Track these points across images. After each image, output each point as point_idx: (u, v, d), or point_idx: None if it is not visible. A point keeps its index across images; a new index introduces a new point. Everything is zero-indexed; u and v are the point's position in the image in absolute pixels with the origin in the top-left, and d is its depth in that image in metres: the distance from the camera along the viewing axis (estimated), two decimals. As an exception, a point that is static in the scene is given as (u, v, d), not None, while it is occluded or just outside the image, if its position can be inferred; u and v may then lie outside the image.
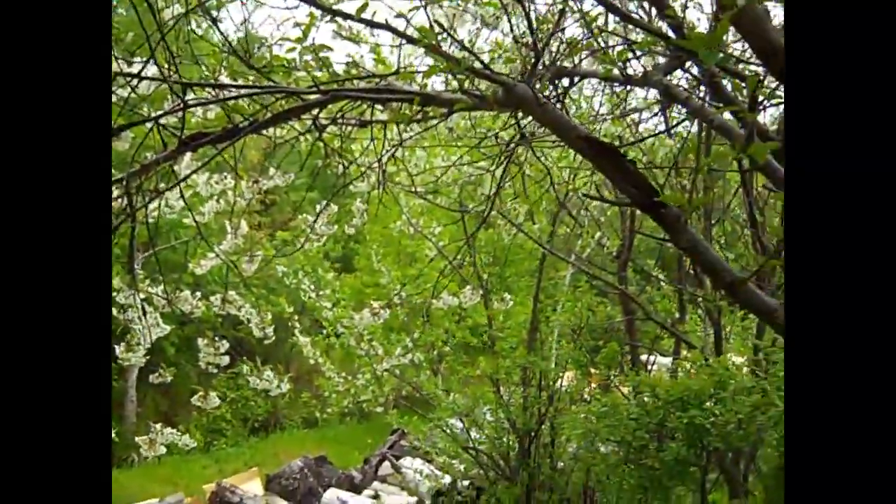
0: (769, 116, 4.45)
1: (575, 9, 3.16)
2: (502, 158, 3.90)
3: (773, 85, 3.03)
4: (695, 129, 4.66)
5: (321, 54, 2.91)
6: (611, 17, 3.41)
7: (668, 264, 9.06)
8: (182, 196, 4.10)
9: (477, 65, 2.57)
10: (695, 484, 5.37)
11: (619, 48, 3.25)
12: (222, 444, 15.41)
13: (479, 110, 3.11)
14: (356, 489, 10.85)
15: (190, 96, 2.81)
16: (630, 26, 3.53)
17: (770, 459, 5.43)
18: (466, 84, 2.76)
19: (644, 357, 7.94)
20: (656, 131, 5.19)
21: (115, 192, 2.72)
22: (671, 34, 2.76)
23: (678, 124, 4.41)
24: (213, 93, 2.94)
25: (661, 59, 3.11)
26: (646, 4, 3.65)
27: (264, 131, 3.04)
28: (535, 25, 2.88)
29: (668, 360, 7.61)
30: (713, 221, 6.05)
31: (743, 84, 2.71)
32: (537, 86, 2.54)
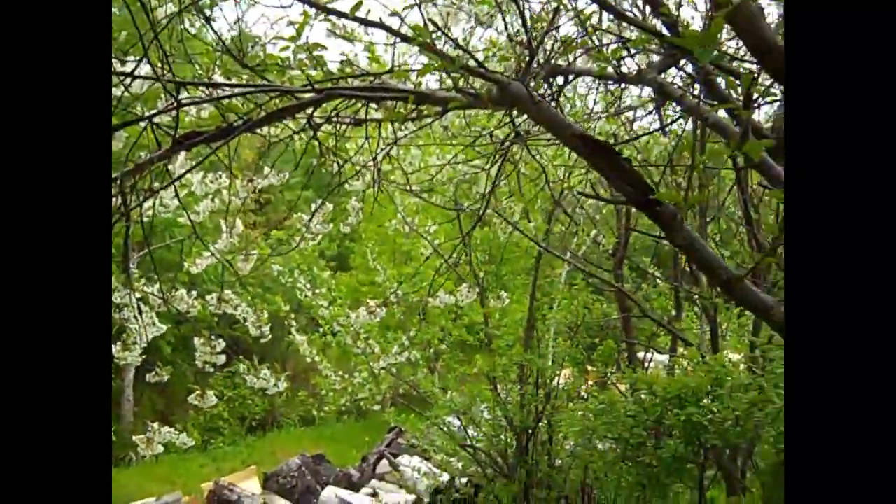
0: (763, 114, 4.45)
1: (569, 7, 3.16)
2: (497, 157, 3.90)
3: (768, 83, 3.03)
4: (689, 126, 4.66)
5: (315, 53, 2.91)
6: (605, 14, 3.41)
7: (664, 262, 9.07)
8: (177, 195, 4.08)
9: (471, 63, 2.56)
10: (692, 481, 5.37)
11: (613, 46, 3.24)
12: (220, 442, 15.41)
13: (473, 109, 3.11)
14: (354, 487, 10.84)
15: (184, 95, 2.80)
16: (624, 24, 3.54)
17: (767, 456, 5.42)
18: (461, 82, 2.76)
19: (641, 354, 7.94)
20: (651, 129, 5.18)
21: (109, 192, 2.71)
22: (665, 32, 2.76)
23: (673, 122, 4.40)
24: (207, 92, 2.93)
25: (656, 58, 3.11)
26: (640, 2, 3.65)
27: (258, 130, 3.03)
28: (529, 24, 2.87)
29: (664, 358, 7.61)
30: (708, 219, 6.05)
31: (737, 82, 2.71)
32: (532, 84, 2.53)
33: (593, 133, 3.10)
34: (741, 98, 2.38)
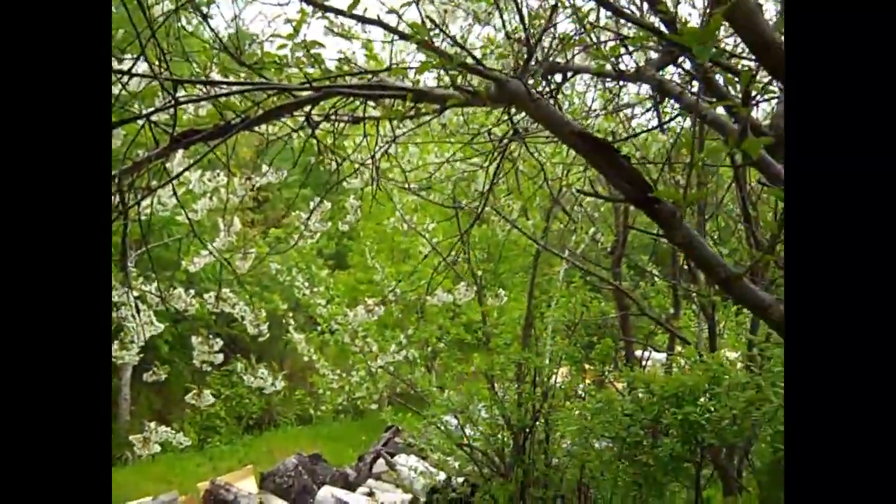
0: (762, 111, 4.45)
1: (567, 4, 3.15)
2: (496, 154, 3.90)
3: (766, 79, 3.03)
4: (687, 124, 4.65)
5: (313, 51, 2.90)
6: (603, 11, 3.41)
7: (662, 260, 9.07)
8: (174, 193, 4.08)
9: (469, 60, 2.56)
10: (689, 480, 5.37)
11: (611, 43, 3.24)
12: (216, 441, 15.38)
13: (471, 106, 3.10)
14: (351, 487, 10.84)
15: (181, 93, 2.79)
16: (622, 21, 3.53)
17: (764, 455, 5.42)
18: (459, 80, 2.75)
19: (638, 353, 7.94)
20: (649, 127, 5.18)
21: (107, 190, 2.70)
22: (664, 29, 2.76)
23: (671, 120, 4.40)
24: (205, 90, 2.92)
25: (654, 55, 3.11)
26: (638, -1, 3.65)
27: (256, 128, 3.02)
28: (527, 21, 2.87)
29: (662, 356, 7.62)
30: (706, 217, 6.05)
31: (736, 79, 2.71)
32: (530, 81, 2.53)
33: (592, 130, 3.10)
34: (740, 95, 2.38)
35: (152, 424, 5.52)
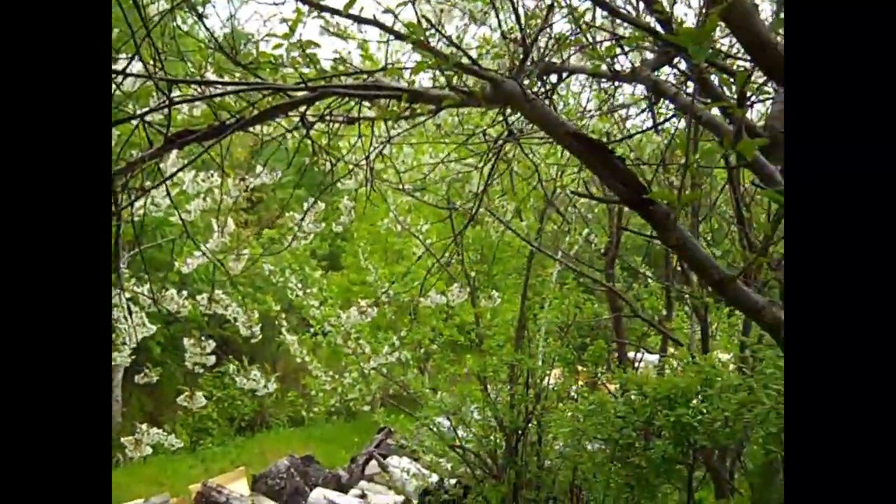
0: (756, 112, 4.46)
1: (563, 4, 3.16)
2: (490, 155, 3.90)
3: (762, 80, 3.03)
4: (681, 125, 4.66)
5: (308, 51, 2.90)
6: (599, 11, 3.41)
7: (656, 261, 9.08)
8: (168, 194, 4.07)
9: (465, 61, 2.56)
10: (681, 482, 5.37)
11: (607, 44, 3.24)
12: (208, 443, 15.36)
13: (467, 107, 3.10)
14: (343, 488, 10.83)
15: (176, 93, 2.78)
16: (618, 21, 3.54)
17: (756, 457, 5.43)
18: (455, 80, 2.75)
19: (631, 354, 7.95)
20: (644, 128, 5.19)
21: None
22: (660, 29, 2.76)
23: (666, 121, 4.41)
24: (200, 90, 2.91)
25: (650, 55, 3.11)
26: None
27: (251, 128, 3.02)
28: (523, 21, 2.87)
29: (655, 358, 7.63)
30: (700, 218, 6.06)
31: (731, 80, 2.72)
32: (525, 82, 2.53)
33: (586, 131, 3.10)
34: (735, 96, 2.38)
35: (144, 426, 5.50)
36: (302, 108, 2.85)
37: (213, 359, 5.05)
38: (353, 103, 3.18)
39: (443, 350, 8.23)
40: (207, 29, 3.25)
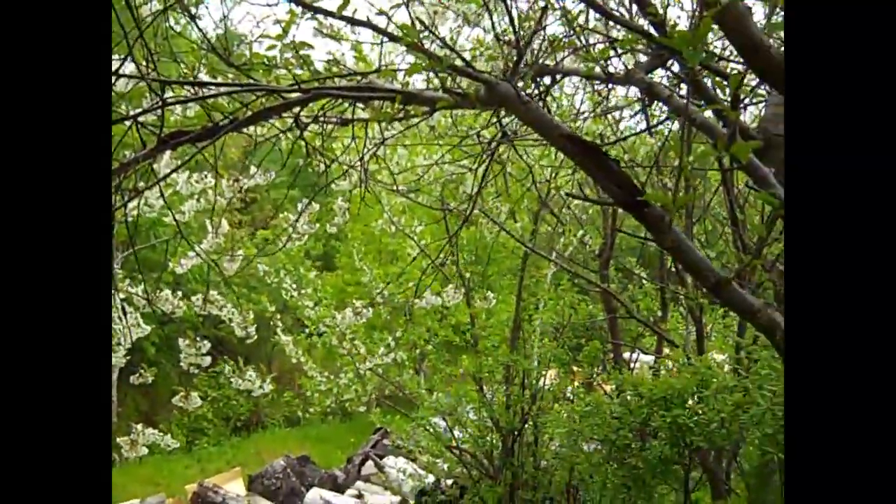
0: (749, 115, 4.46)
1: (557, 6, 3.15)
2: (484, 157, 3.89)
3: (755, 83, 3.03)
4: (675, 127, 4.66)
5: (302, 52, 2.89)
6: (592, 14, 3.41)
7: (650, 262, 9.08)
8: (162, 195, 4.07)
9: (459, 63, 2.55)
10: (678, 482, 5.37)
11: (600, 46, 3.24)
12: (204, 443, 15.37)
13: (461, 109, 3.10)
14: (339, 489, 10.82)
15: (169, 94, 2.78)
16: (612, 24, 3.53)
17: (752, 458, 5.44)
18: (448, 82, 2.75)
19: (627, 355, 7.95)
20: (637, 130, 5.19)
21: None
22: (653, 32, 2.76)
23: (660, 123, 4.41)
24: (193, 91, 2.90)
25: (643, 58, 3.11)
26: (627, 2, 3.65)
27: (245, 129, 3.01)
28: (517, 23, 2.87)
29: (650, 358, 7.63)
30: (694, 220, 6.06)
31: (724, 82, 2.71)
32: (519, 84, 2.53)
33: (580, 133, 3.10)
34: (728, 98, 2.38)
35: (139, 427, 5.50)
36: (296, 110, 2.84)
37: (208, 359, 5.05)
38: (346, 105, 3.17)
39: (438, 351, 8.24)
40: (200, 30, 3.24)
